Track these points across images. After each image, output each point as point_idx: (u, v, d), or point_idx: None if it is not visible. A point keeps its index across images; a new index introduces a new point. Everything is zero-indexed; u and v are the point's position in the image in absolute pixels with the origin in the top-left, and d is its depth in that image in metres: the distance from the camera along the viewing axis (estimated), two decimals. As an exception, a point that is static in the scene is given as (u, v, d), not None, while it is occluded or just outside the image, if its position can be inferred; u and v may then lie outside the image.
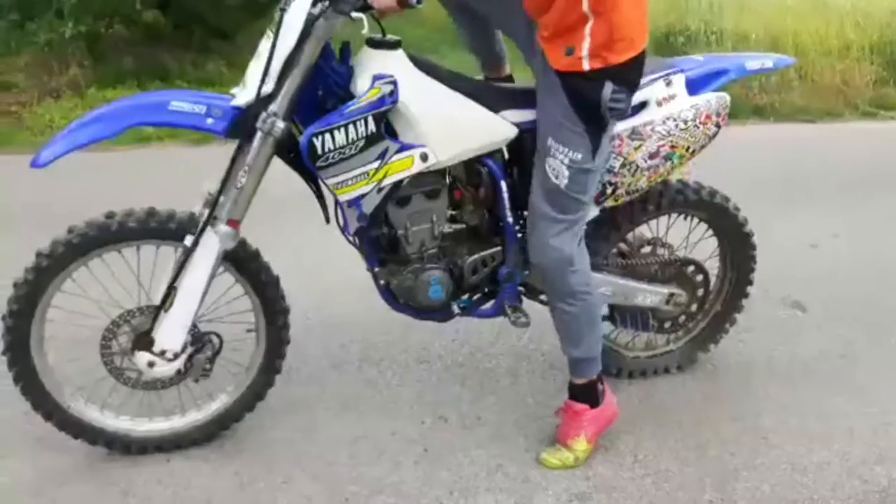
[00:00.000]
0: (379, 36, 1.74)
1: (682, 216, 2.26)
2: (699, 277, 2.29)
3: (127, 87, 5.30)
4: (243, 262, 1.88)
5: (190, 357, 1.84)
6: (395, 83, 1.69)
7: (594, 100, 1.70)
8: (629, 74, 1.74)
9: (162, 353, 1.79)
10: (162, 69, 5.76)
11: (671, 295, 2.24)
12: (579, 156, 1.76)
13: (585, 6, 1.63)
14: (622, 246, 2.24)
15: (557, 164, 1.77)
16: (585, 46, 1.67)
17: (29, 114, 5.01)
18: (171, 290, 1.76)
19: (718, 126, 1.99)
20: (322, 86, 1.71)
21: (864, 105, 6.35)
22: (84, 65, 5.66)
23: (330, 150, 1.66)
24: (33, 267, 1.74)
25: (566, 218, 1.83)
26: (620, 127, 1.89)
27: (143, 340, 1.80)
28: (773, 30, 7.00)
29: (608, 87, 1.70)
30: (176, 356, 1.80)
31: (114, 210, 1.79)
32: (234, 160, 1.72)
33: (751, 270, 2.36)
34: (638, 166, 1.94)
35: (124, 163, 4.08)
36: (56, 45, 5.68)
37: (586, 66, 1.68)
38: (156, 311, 1.78)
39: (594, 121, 1.74)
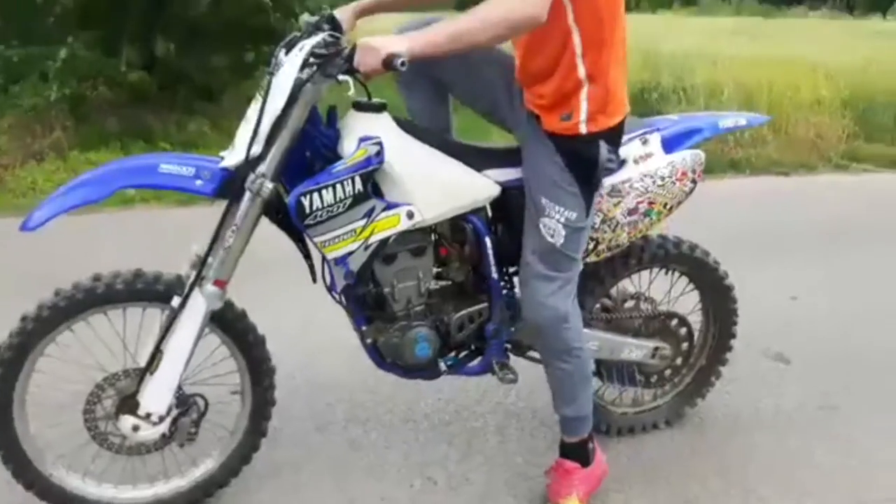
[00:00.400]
0: (365, 99, 1.79)
1: (663, 270, 2.30)
2: (683, 331, 2.31)
3: (110, 149, 5.35)
4: (229, 323, 1.88)
5: (175, 420, 1.81)
6: (380, 144, 1.73)
7: (592, 161, 1.77)
8: (618, 135, 1.83)
9: (147, 417, 1.77)
10: (146, 130, 5.82)
11: (656, 349, 2.25)
12: (574, 215, 1.81)
13: (582, 73, 1.71)
14: (606, 301, 2.27)
15: (553, 223, 1.81)
16: (583, 111, 1.74)
17: (11, 176, 5.02)
18: (157, 351, 1.75)
19: (694, 182, 2.05)
20: (310, 148, 1.75)
21: (837, 158, 6.54)
22: (67, 127, 5.71)
23: (318, 209, 1.68)
24: (18, 331, 1.73)
25: (561, 276, 1.86)
26: (600, 184, 1.94)
27: (128, 404, 1.77)
28: (746, 85, 7.24)
29: (604, 148, 1.77)
30: (161, 419, 1.78)
31: (100, 273, 1.80)
32: (222, 221, 1.74)
33: (733, 324, 2.39)
34: (618, 222, 1.98)
35: (109, 224, 4.08)
36: (40, 108, 5.74)
37: (584, 129, 1.76)
38: (141, 374, 1.76)
39: (588, 180, 1.80)
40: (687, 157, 2.03)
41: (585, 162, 1.78)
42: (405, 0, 2.15)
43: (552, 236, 1.82)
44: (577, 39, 1.69)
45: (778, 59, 8.26)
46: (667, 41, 9.50)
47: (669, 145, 2.02)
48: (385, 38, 1.52)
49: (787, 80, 7.27)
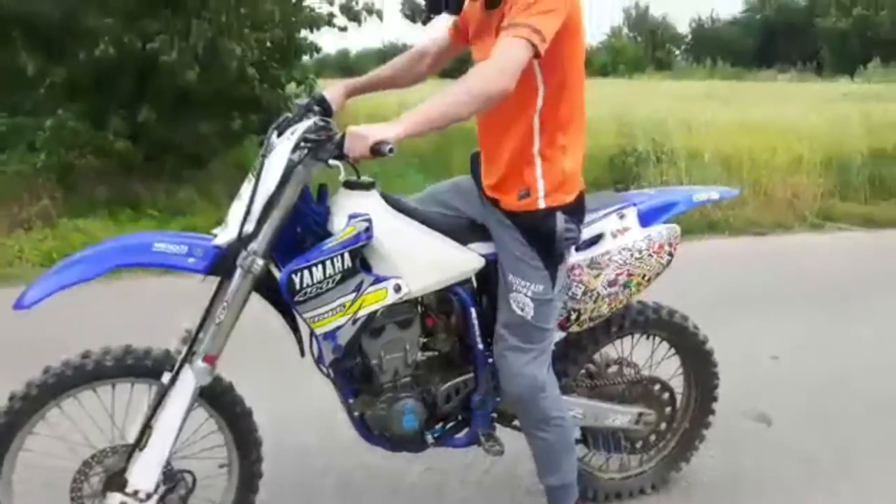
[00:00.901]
0: (354, 178, 1.86)
1: (644, 336, 2.35)
2: (666, 396, 2.35)
3: (98, 217, 5.37)
4: (217, 397, 1.90)
5: (163, 497, 1.81)
6: (369, 221, 1.79)
7: (549, 234, 1.85)
8: (577, 208, 1.91)
9: (135, 494, 1.77)
10: (134, 198, 5.88)
11: (640, 414, 2.29)
12: (541, 287, 1.88)
13: (538, 150, 1.83)
14: (589, 367, 2.31)
15: (521, 297, 1.88)
16: (540, 188, 1.85)
17: (-2, 245, 5.04)
18: (146, 428, 1.76)
19: (671, 255, 2.12)
20: (301, 224, 1.81)
21: (812, 217, 6.71)
22: (55, 196, 5.76)
23: (308, 286, 1.73)
24: (5, 410, 1.74)
25: (534, 347, 1.92)
26: (580, 257, 2.02)
27: (116, 481, 1.77)
28: (723, 148, 7.45)
29: (560, 220, 1.85)
30: (149, 496, 1.78)
31: (90, 349, 1.82)
32: (214, 297, 1.78)
33: (714, 387, 2.43)
34: (599, 294, 2.05)
35: (98, 294, 4.07)
36: (27, 177, 5.79)
37: (542, 205, 1.85)
38: (130, 450, 1.77)
39: (550, 253, 1.88)
40: (663, 230, 2.11)
41: (544, 235, 1.86)
42: (391, 81, 2.25)
43: (522, 310, 1.89)
44: (536, 120, 1.81)
45: (752, 122, 8.54)
46: (643, 106, 9.79)
47: (646, 219, 2.11)
48: (372, 127, 1.60)
49: (763, 141, 7.51)
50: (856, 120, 8.87)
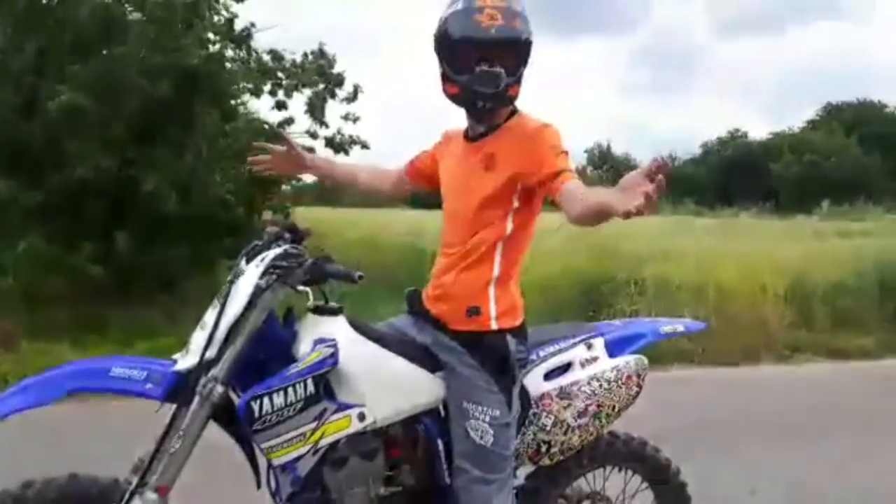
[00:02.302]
0: (322, 303, 1.86)
1: (616, 468, 2.29)
2: (640, 532, 2.26)
3: (62, 340, 5.25)
4: (167, 531, 1.78)
5: None
6: (335, 346, 1.77)
7: (503, 355, 1.88)
8: (523, 333, 1.95)
9: None
10: (100, 321, 5.78)
11: (615, 552, 2.19)
12: (497, 412, 1.86)
13: (496, 272, 1.89)
14: (562, 502, 2.23)
15: (479, 423, 1.85)
16: (493, 309, 1.89)
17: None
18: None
19: (640, 386, 2.12)
20: (265, 351, 1.78)
21: (780, 348, 6.79)
22: (18, 318, 5.64)
23: (268, 413, 1.68)
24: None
25: (497, 477, 1.87)
26: (549, 386, 2.00)
27: None
28: (694, 278, 7.64)
29: (512, 342, 1.89)
30: None
31: (32, 479, 1.72)
32: (169, 425, 1.71)
33: (689, 522, 2.35)
34: (569, 425, 2.01)
35: (48, 420, 3.90)
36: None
37: (494, 326, 1.88)
38: None
39: (504, 375, 1.88)
40: (631, 361, 2.11)
41: (497, 357, 1.88)
42: (352, 179, 2.37)
43: (481, 437, 1.85)
44: (500, 245, 1.89)
45: (719, 255, 8.82)
46: (614, 238, 10.08)
47: (613, 349, 2.12)
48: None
49: (730, 274, 7.72)
50: (817, 255, 9.22)
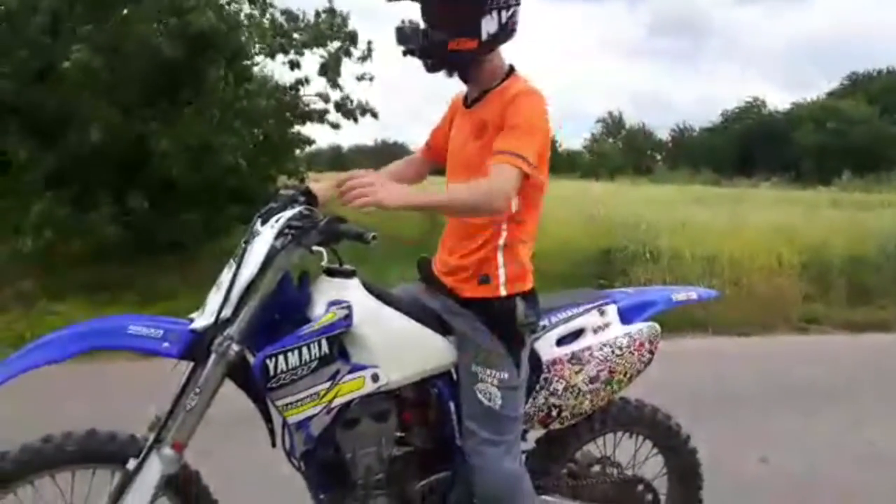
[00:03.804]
0: (336, 265, 1.87)
1: (627, 434, 2.30)
2: (649, 496, 2.28)
3: (78, 301, 5.31)
4: (182, 486, 1.82)
5: None
6: (349, 308, 1.78)
7: (510, 319, 1.88)
8: (533, 296, 1.95)
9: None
10: (115, 283, 5.85)
11: (623, 517, 2.21)
12: (506, 375, 1.87)
13: (502, 241, 1.87)
14: (571, 466, 2.25)
15: (488, 387, 1.87)
16: (502, 275, 1.88)
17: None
18: (105, 518, 1.67)
19: (652, 353, 2.12)
20: (279, 311, 1.79)
21: (796, 319, 6.75)
22: (35, 279, 5.71)
23: (282, 371, 1.70)
24: (-42, 496, 1.65)
25: (505, 439, 1.89)
26: (561, 351, 2.01)
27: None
28: (707, 249, 7.59)
29: (521, 305, 1.89)
30: None
31: (52, 433, 1.75)
32: (186, 383, 1.73)
33: (698, 487, 2.36)
34: (580, 390, 2.02)
35: (70, 379, 3.98)
36: (10, 260, 5.77)
37: (503, 291, 1.88)
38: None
39: (513, 339, 1.89)
40: (644, 328, 2.11)
41: (506, 321, 1.88)
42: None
43: (490, 400, 1.87)
44: (504, 219, 1.87)
45: (736, 225, 8.75)
46: (629, 208, 10.02)
47: (626, 316, 2.11)
48: (385, 184, 1.62)
49: (747, 245, 7.66)
50: (836, 227, 9.12)
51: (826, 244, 8.21)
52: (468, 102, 1.97)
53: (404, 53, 1.86)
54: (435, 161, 2.20)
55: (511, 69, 1.92)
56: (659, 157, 58.54)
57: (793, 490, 3.18)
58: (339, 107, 8.16)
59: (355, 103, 8.21)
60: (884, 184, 22.06)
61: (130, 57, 6.25)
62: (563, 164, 43.19)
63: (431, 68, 1.88)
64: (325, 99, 8.12)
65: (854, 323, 6.80)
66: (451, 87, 2.10)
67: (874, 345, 6.23)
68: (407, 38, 1.82)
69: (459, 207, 1.78)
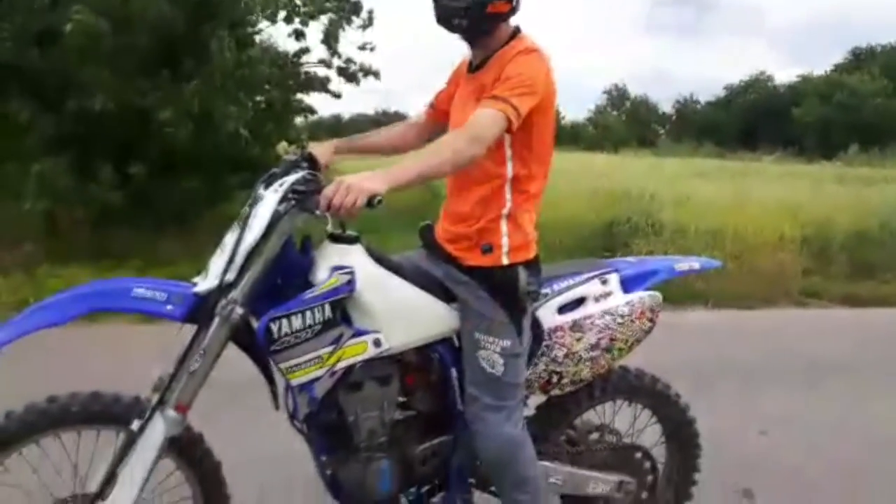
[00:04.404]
0: (339, 231, 1.86)
1: (626, 402, 2.32)
2: (647, 464, 2.31)
3: (80, 265, 5.32)
4: (186, 447, 1.84)
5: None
6: (352, 274, 1.78)
7: (512, 287, 1.88)
8: (536, 264, 1.95)
9: (92, 548, 1.68)
10: (117, 248, 5.85)
11: (621, 483, 2.24)
12: (508, 343, 1.88)
13: (506, 210, 1.88)
14: (570, 433, 2.27)
15: (490, 354, 1.88)
16: (504, 244, 1.88)
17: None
18: (110, 476, 1.69)
19: (653, 322, 2.12)
20: (282, 275, 1.79)
21: (796, 293, 6.77)
22: (37, 243, 5.72)
23: (286, 334, 1.70)
24: (-35, 455, 1.67)
25: (507, 404, 1.90)
26: (562, 319, 2.02)
27: (74, 534, 1.69)
28: (709, 222, 7.59)
29: (523, 274, 1.89)
30: (107, 551, 1.69)
31: (56, 394, 1.76)
32: (190, 345, 1.74)
33: (695, 457, 2.39)
34: (580, 357, 2.03)
35: (70, 341, 4.00)
36: (11, 223, 5.77)
37: (505, 261, 1.89)
38: (91, 500, 1.70)
39: (515, 307, 1.89)
40: (645, 297, 2.12)
41: (508, 289, 1.89)
42: (377, 147, 2.29)
43: (493, 367, 1.88)
44: (508, 187, 1.87)
45: (738, 199, 8.74)
46: (632, 180, 10.00)
47: (628, 285, 2.12)
48: (362, 178, 1.59)
49: (748, 218, 7.65)
50: (837, 202, 9.10)
51: (829, 219, 8.20)
52: (472, 68, 1.95)
53: (438, 18, 1.83)
54: (438, 122, 2.18)
55: (516, 30, 1.90)
56: (662, 131, 58.22)
57: (792, 463, 3.21)
58: (342, 71, 8.11)
59: (358, 65, 8.16)
60: (888, 158, 21.94)
61: (132, 21, 6.17)
62: (567, 136, 42.96)
63: (465, 31, 1.85)
64: (328, 65, 8.07)
65: (855, 297, 6.81)
66: (453, 57, 2.09)
67: (875, 319, 6.25)
68: None
69: (438, 168, 1.69)
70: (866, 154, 25.36)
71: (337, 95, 8.32)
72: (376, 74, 8.29)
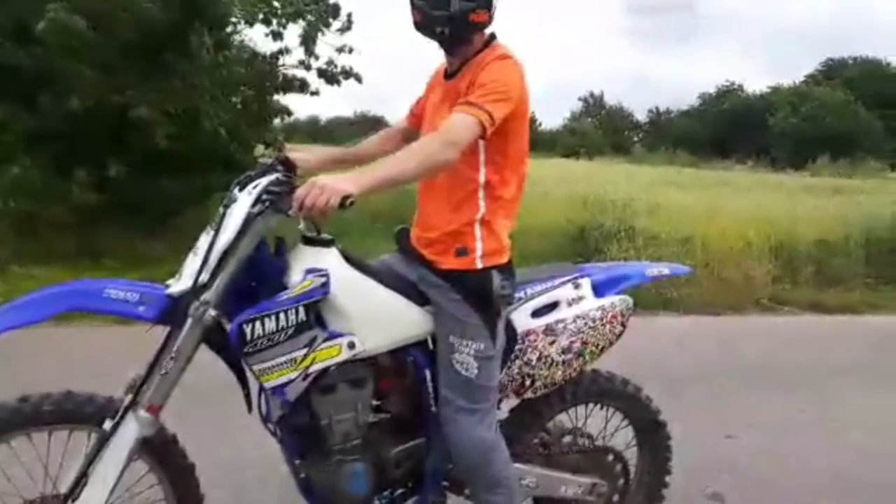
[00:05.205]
0: (314, 234, 1.87)
1: (598, 406, 2.35)
2: (619, 467, 2.34)
3: (56, 266, 5.25)
4: (158, 448, 1.84)
5: (91, 555, 1.71)
6: (326, 276, 1.79)
7: (486, 290, 1.90)
8: (510, 269, 1.97)
9: (62, 550, 1.67)
10: (93, 249, 5.78)
11: (594, 485, 2.27)
12: (482, 346, 1.90)
13: (480, 215, 1.90)
14: (543, 436, 2.29)
15: (464, 357, 1.90)
16: (479, 248, 1.91)
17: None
18: (81, 477, 1.69)
19: (623, 326, 2.16)
20: (256, 278, 1.80)
21: (764, 301, 6.89)
22: (9, 243, 5.62)
23: (259, 337, 1.71)
24: (-68, 454, 1.65)
25: (480, 407, 1.92)
26: (536, 323, 2.05)
27: (43, 536, 1.68)
28: (681, 229, 7.71)
29: (497, 277, 1.91)
30: (76, 553, 1.68)
31: (29, 393, 1.75)
32: (162, 347, 1.74)
33: (667, 460, 2.43)
34: (553, 360, 2.06)
35: (45, 341, 3.95)
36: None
37: (480, 264, 1.91)
38: (62, 501, 1.69)
39: (489, 310, 1.91)
40: (616, 301, 2.15)
41: (482, 292, 1.91)
42: (357, 158, 2.30)
43: (466, 370, 1.90)
44: (481, 193, 1.89)
45: (710, 207, 8.89)
46: (606, 187, 10.11)
47: (600, 290, 2.15)
48: (336, 181, 1.60)
49: (719, 226, 7.79)
50: (806, 210, 9.28)
51: (796, 228, 8.36)
52: (447, 75, 1.97)
53: (418, 24, 1.85)
54: (419, 129, 2.20)
55: (491, 37, 1.93)
56: (636, 139, 58.87)
57: (757, 466, 3.27)
58: (322, 72, 8.10)
59: (339, 68, 8.16)
60: (855, 169, 22.41)
61: (112, 19, 6.10)
62: (544, 143, 43.23)
63: (447, 39, 1.87)
64: (307, 67, 8.04)
65: (821, 305, 6.96)
66: (433, 63, 2.11)
67: (840, 327, 6.38)
68: (437, 3, 1.80)
69: (412, 172, 1.70)
70: (836, 164, 25.90)
71: (315, 93, 8.30)
72: (357, 77, 8.29)
